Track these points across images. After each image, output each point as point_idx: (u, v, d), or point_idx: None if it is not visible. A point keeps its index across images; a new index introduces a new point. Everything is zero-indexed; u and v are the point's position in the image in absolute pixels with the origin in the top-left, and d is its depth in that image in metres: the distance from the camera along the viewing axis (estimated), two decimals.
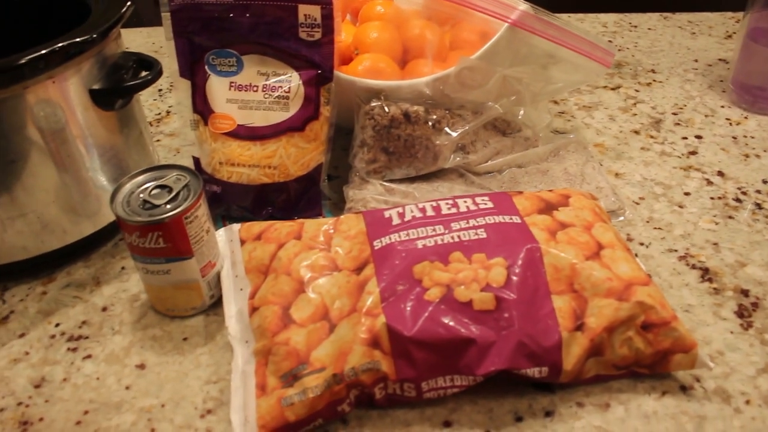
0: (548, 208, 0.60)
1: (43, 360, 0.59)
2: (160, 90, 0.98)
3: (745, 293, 0.63)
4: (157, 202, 0.57)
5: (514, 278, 0.53)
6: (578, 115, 0.90)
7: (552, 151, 0.77)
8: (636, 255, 0.66)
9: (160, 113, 0.93)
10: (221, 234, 0.64)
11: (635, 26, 1.13)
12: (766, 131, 0.85)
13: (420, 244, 0.55)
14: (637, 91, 0.95)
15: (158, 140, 0.87)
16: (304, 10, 0.66)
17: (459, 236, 0.56)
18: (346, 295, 0.54)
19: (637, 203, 0.74)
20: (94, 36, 0.61)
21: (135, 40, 1.14)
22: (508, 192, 0.62)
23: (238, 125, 0.68)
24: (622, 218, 0.71)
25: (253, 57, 0.68)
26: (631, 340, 0.53)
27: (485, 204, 0.59)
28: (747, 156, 0.81)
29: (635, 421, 0.52)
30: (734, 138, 0.84)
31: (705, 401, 0.54)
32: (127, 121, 0.69)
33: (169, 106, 0.94)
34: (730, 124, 0.87)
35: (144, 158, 0.73)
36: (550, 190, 0.63)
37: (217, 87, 0.69)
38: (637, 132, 0.86)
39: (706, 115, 0.89)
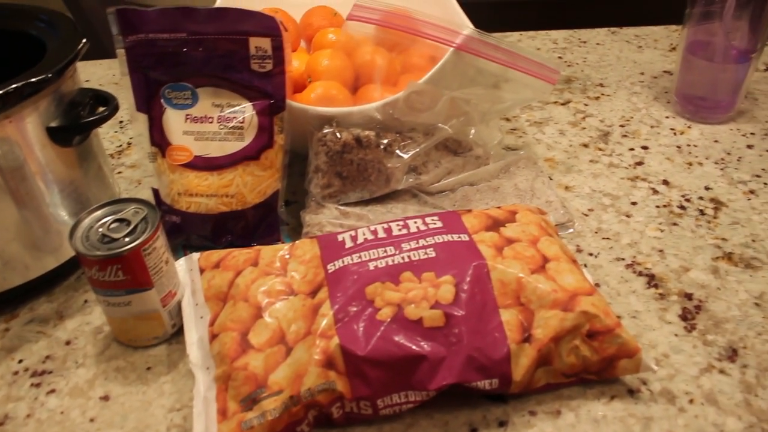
0: (496, 224, 0.62)
1: (6, 397, 0.60)
2: (121, 122, 0.99)
3: (688, 297, 0.66)
4: (115, 235, 0.59)
5: (463, 295, 0.55)
6: (529, 131, 0.92)
7: (503, 168, 0.80)
8: (585, 265, 0.69)
9: (121, 145, 0.94)
10: (181, 263, 0.65)
11: (584, 42, 1.17)
12: (707, 140, 0.89)
13: (372, 265, 0.57)
14: (586, 105, 0.98)
15: (119, 172, 0.88)
16: (255, 42, 0.68)
17: (409, 256, 0.58)
18: (302, 319, 0.55)
19: (586, 215, 0.77)
20: (50, 75, 0.62)
21: (96, 72, 1.15)
22: (457, 211, 0.64)
23: (195, 156, 0.70)
24: (571, 230, 0.74)
25: (208, 89, 0.70)
26: (577, 348, 0.55)
27: (435, 224, 0.61)
28: (690, 164, 0.84)
29: (586, 425, 0.55)
30: (678, 147, 0.87)
31: (651, 403, 0.56)
32: (86, 156, 0.70)
33: (130, 138, 0.96)
34: (675, 134, 0.90)
35: (104, 191, 0.74)
36: (499, 207, 0.66)
37: (173, 120, 0.70)
38: (586, 145, 0.89)
39: (651, 126, 0.92)
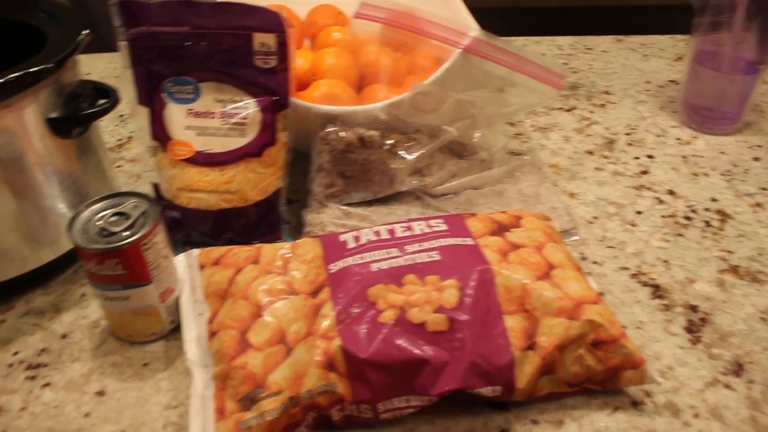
0: (501, 229, 0.61)
1: (1, 389, 0.59)
2: (121, 116, 0.98)
3: (693, 309, 0.65)
4: (114, 229, 0.58)
5: (467, 299, 0.54)
6: (534, 136, 0.92)
7: (507, 172, 0.79)
8: (589, 274, 0.68)
9: (121, 139, 0.93)
10: (181, 259, 0.64)
11: (590, 49, 1.16)
12: (714, 150, 0.88)
13: (375, 267, 0.56)
14: (591, 112, 0.97)
15: (119, 166, 0.87)
16: (259, 38, 0.67)
17: (413, 259, 0.57)
18: (303, 319, 0.54)
19: (591, 222, 0.76)
20: (50, 65, 0.61)
21: (97, 65, 1.14)
22: (461, 214, 0.63)
23: (197, 152, 0.69)
24: (575, 238, 0.73)
25: (210, 84, 0.69)
26: (582, 357, 0.54)
27: (439, 226, 0.60)
28: (696, 175, 0.83)
29: None
30: (684, 157, 0.87)
31: (655, 416, 0.55)
32: (86, 149, 0.69)
33: (131, 132, 0.95)
34: (681, 143, 0.90)
35: (103, 185, 0.73)
36: (504, 212, 0.65)
37: (175, 114, 0.69)
38: (591, 152, 0.88)
39: (657, 135, 0.91)
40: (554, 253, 0.59)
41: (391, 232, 0.60)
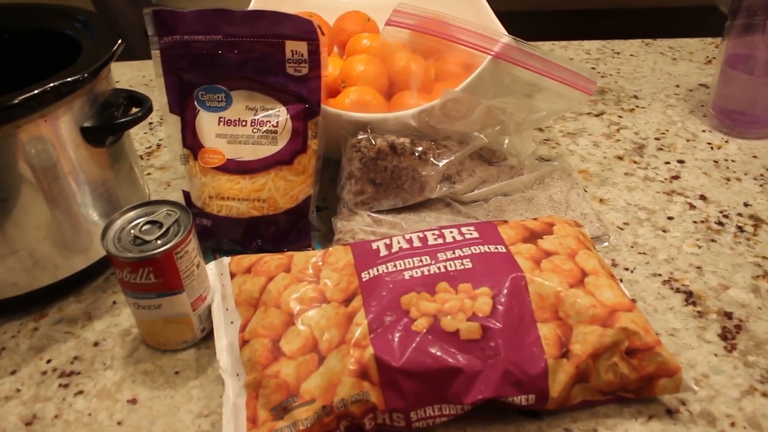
0: (533, 236, 0.61)
1: (35, 397, 0.60)
2: (150, 123, 0.99)
3: (728, 316, 0.64)
4: (147, 237, 0.58)
5: (500, 307, 0.54)
6: (563, 142, 0.91)
7: (537, 178, 0.78)
8: (621, 280, 0.68)
9: (150, 147, 0.94)
10: (212, 267, 0.65)
11: (618, 53, 1.15)
12: (746, 155, 0.87)
13: (407, 275, 0.56)
14: (620, 117, 0.97)
15: (149, 173, 0.88)
16: (291, 46, 0.68)
17: (445, 266, 0.57)
18: (335, 327, 0.54)
19: (622, 228, 0.75)
20: (86, 75, 0.62)
21: (126, 73, 1.15)
22: (493, 221, 0.63)
23: (228, 159, 0.69)
24: (606, 244, 0.73)
25: (242, 92, 0.70)
26: (616, 365, 0.54)
27: (471, 234, 0.60)
28: (728, 179, 0.82)
29: None
30: (715, 162, 0.86)
31: (691, 424, 0.55)
32: (118, 157, 0.70)
33: (160, 140, 0.95)
34: (712, 148, 0.89)
35: (135, 193, 0.74)
36: (535, 219, 0.64)
37: (207, 122, 0.70)
38: (620, 158, 0.87)
39: (687, 140, 0.91)
40: (587, 260, 0.59)
41: (423, 240, 0.60)
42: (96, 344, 0.64)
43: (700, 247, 0.72)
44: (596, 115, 0.97)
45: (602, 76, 1.08)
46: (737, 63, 0.87)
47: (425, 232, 0.61)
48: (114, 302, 0.69)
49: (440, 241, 0.60)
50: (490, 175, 0.76)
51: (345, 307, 0.56)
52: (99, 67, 0.64)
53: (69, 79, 0.60)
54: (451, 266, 0.57)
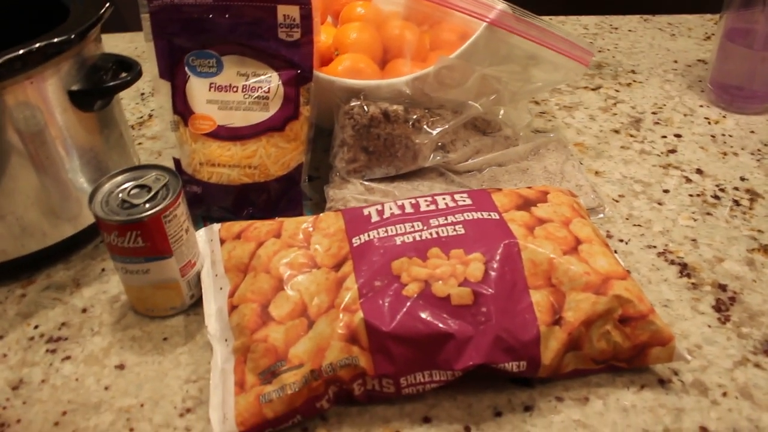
0: (526, 204, 0.60)
1: (22, 362, 0.59)
2: (142, 94, 0.98)
3: (722, 288, 0.63)
4: (136, 201, 0.57)
5: (492, 273, 0.53)
6: (559, 114, 0.90)
7: (532, 149, 0.78)
8: (615, 251, 0.67)
9: (142, 116, 0.93)
10: (201, 234, 0.64)
11: (616, 28, 1.14)
12: (743, 130, 0.86)
13: (398, 240, 0.55)
14: (617, 91, 0.96)
15: (140, 143, 0.87)
16: (283, 10, 0.66)
17: (437, 232, 0.56)
18: (325, 292, 0.54)
19: (617, 201, 0.74)
20: (72, 36, 0.61)
21: (117, 45, 1.13)
22: (487, 189, 0.62)
23: (219, 126, 0.68)
24: (601, 215, 0.72)
25: (233, 58, 0.69)
26: (608, 333, 0.53)
27: (464, 201, 0.59)
28: (725, 154, 0.82)
29: (614, 414, 0.53)
30: (713, 137, 0.85)
31: (683, 394, 0.54)
32: (107, 123, 0.69)
33: (151, 110, 0.94)
34: (709, 123, 0.88)
35: (124, 160, 0.73)
36: (529, 187, 0.64)
37: (197, 88, 0.69)
38: (617, 131, 0.87)
39: (685, 115, 0.90)
40: (581, 228, 0.58)
41: (416, 206, 0.59)
42: (84, 311, 0.64)
43: (695, 220, 0.72)
44: (593, 89, 0.96)
45: (600, 51, 1.07)
46: (736, 37, 0.86)
47: (417, 199, 0.60)
48: (103, 269, 0.68)
49: (432, 207, 0.59)
50: (484, 145, 0.75)
51: (335, 272, 0.55)
52: (86, 29, 0.62)
53: (55, 40, 0.59)
54: (443, 232, 0.56)
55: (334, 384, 0.51)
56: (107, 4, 0.66)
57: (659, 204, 0.74)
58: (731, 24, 0.86)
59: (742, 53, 0.86)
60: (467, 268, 0.53)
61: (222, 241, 0.61)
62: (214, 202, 0.69)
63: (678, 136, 0.85)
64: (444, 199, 0.60)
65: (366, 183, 0.71)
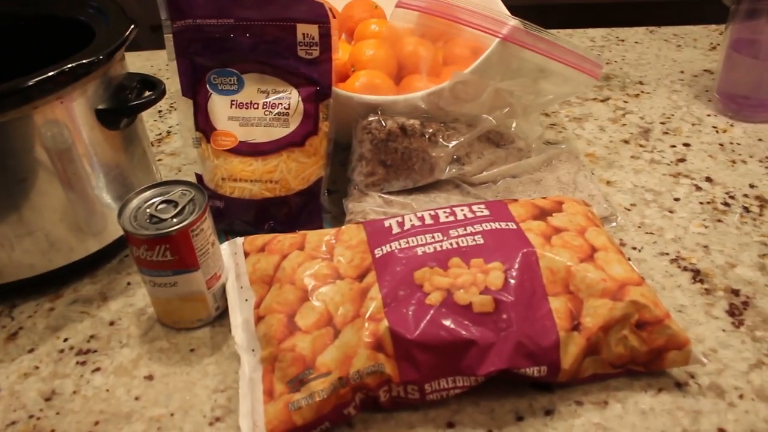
0: (542, 214, 0.61)
1: (53, 374, 0.60)
2: (160, 111, 1.00)
3: (735, 293, 0.65)
4: (163, 216, 0.59)
5: (512, 281, 0.54)
6: (569, 126, 0.92)
7: (545, 161, 0.79)
8: (629, 259, 0.68)
9: (160, 133, 0.95)
10: (225, 247, 0.65)
11: (622, 40, 1.16)
12: (751, 138, 0.88)
13: (420, 251, 0.57)
14: (625, 102, 0.97)
15: (160, 159, 0.89)
16: (302, 29, 0.68)
17: (457, 242, 0.57)
18: (350, 302, 0.55)
19: (629, 209, 0.76)
20: (101, 57, 0.63)
21: (134, 63, 1.16)
22: (503, 200, 0.64)
23: (240, 142, 0.70)
24: (614, 224, 0.73)
25: (254, 75, 0.71)
26: (626, 338, 0.55)
27: (482, 212, 0.61)
28: (734, 162, 0.83)
29: (633, 417, 0.54)
30: (721, 145, 0.87)
31: (700, 397, 0.55)
32: (131, 140, 0.71)
33: (170, 127, 0.96)
34: (717, 131, 0.89)
35: (147, 176, 0.74)
36: (544, 198, 0.65)
37: (219, 105, 0.71)
38: (626, 141, 0.88)
39: (693, 124, 0.91)
40: (596, 236, 0.60)
41: (435, 217, 0.61)
42: (111, 323, 0.65)
43: (706, 227, 0.73)
44: (602, 101, 0.98)
45: (607, 63, 1.08)
46: (742, 47, 0.88)
47: (436, 210, 0.62)
48: (128, 283, 0.70)
49: (451, 218, 0.60)
50: (498, 157, 0.77)
51: (359, 282, 0.56)
52: (113, 50, 0.64)
53: (84, 61, 0.61)
54: (462, 242, 0.57)
55: (361, 391, 0.52)
56: (132, 26, 0.68)
57: (670, 212, 0.75)
58: (737, 34, 0.88)
59: (748, 63, 0.88)
60: (487, 276, 0.55)
61: (246, 254, 0.63)
62: (236, 216, 0.71)
63: (687, 145, 0.87)
64: (462, 210, 0.61)
65: (384, 196, 0.73)
